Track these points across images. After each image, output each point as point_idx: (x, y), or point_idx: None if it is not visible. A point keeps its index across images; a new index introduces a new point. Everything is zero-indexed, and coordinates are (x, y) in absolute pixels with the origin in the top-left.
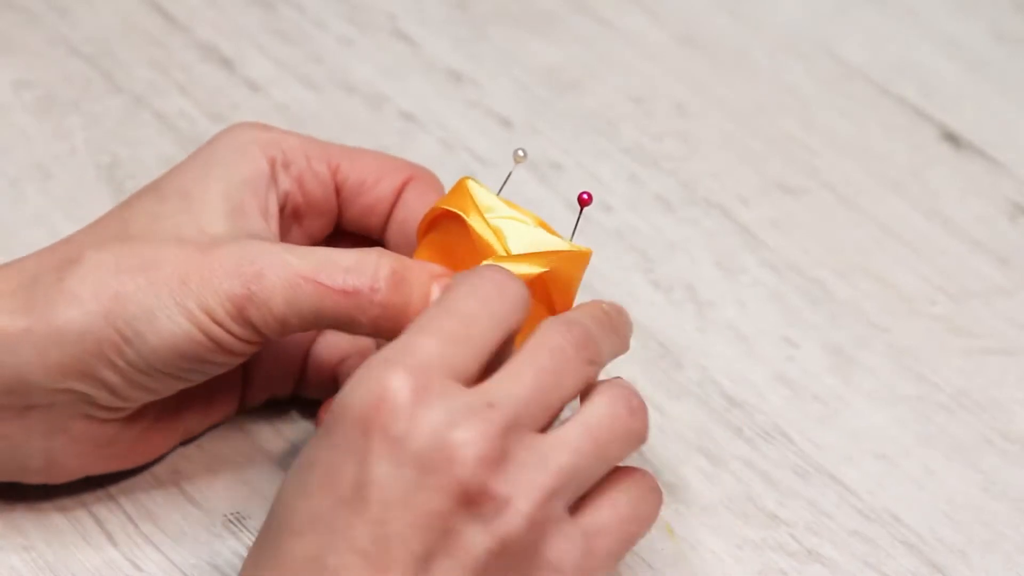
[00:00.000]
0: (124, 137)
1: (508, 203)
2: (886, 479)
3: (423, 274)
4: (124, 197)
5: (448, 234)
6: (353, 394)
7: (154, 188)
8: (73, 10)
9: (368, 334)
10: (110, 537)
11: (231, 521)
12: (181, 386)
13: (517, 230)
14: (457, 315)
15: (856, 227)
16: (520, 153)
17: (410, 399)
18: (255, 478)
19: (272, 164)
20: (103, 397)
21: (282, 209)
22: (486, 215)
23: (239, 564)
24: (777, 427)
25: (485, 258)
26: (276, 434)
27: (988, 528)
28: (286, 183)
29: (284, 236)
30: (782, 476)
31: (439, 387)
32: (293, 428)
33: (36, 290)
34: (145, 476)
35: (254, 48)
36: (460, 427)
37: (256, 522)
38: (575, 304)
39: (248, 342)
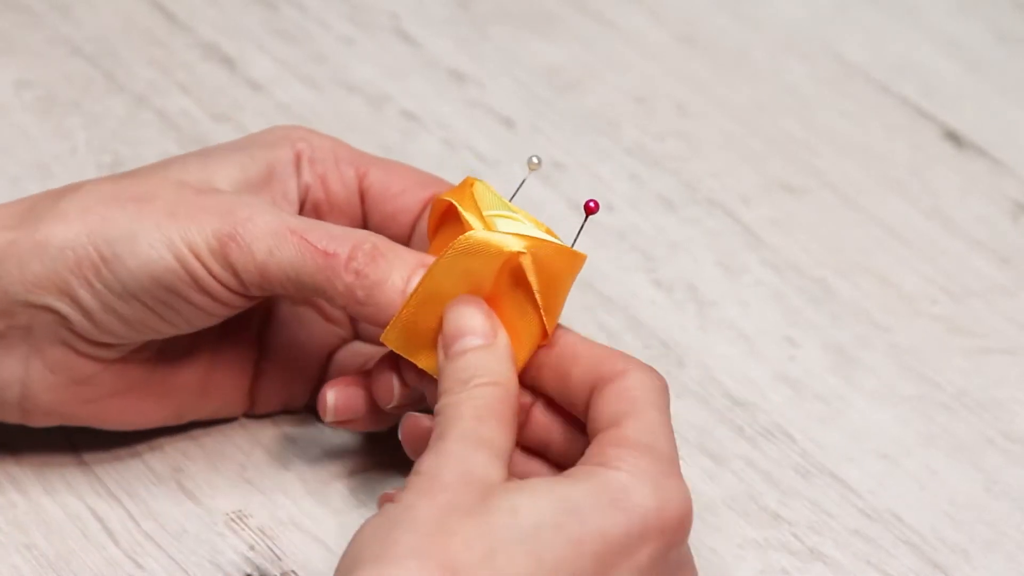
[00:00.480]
0: (125, 136)
1: (514, 208)
2: (888, 479)
3: (407, 258)
4: None
5: (455, 233)
6: (664, 498)
7: (181, 156)
8: (74, 10)
9: (339, 306)
10: (111, 535)
11: (232, 519)
12: (160, 326)
13: (509, 224)
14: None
15: (857, 227)
16: (535, 160)
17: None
18: (257, 476)
19: (298, 157)
20: (78, 320)
21: (303, 203)
22: (484, 212)
23: (240, 562)
24: (779, 426)
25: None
26: (279, 432)
27: (990, 528)
28: (308, 177)
29: None
30: (784, 475)
31: None
32: (296, 427)
33: (32, 211)
34: (146, 474)
35: (256, 48)
36: None
37: (257, 520)
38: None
39: (225, 286)
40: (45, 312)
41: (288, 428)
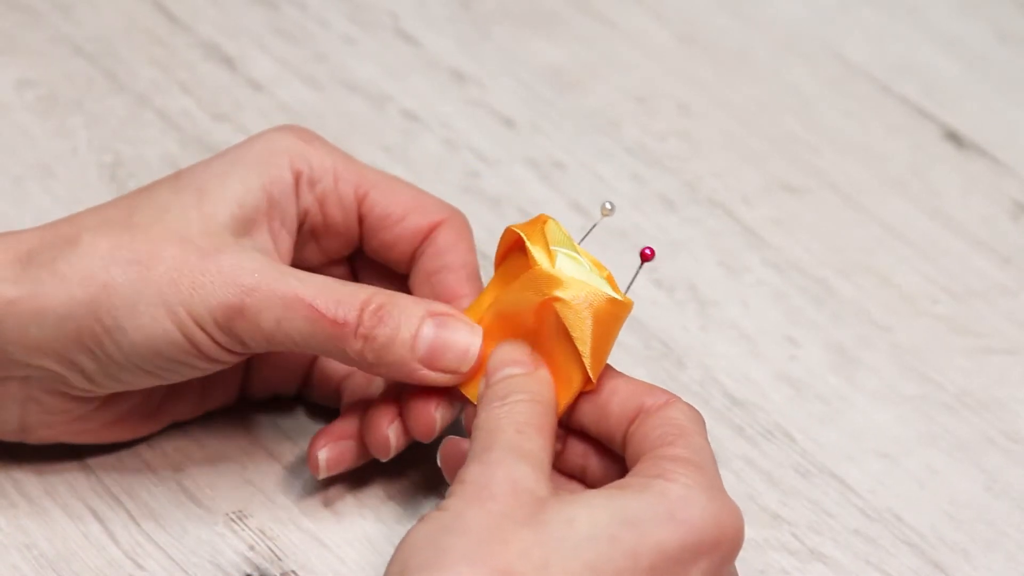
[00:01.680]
0: (127, 136)
1: (580, 250)
2: (888, 478)
3: (413, 310)
4: None
5: (517, 265)
6: (717, 510)
7: (174, 178)
8: (76, 9)
9: (353, 365)
10: (112, 535)
11: (233, 519)
12: (156, 383)
13: (568, 263)
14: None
15: (859, 226)
16: (607, 206)
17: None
18: (257, 476)
19: (297, 178)
20: (77, 380)
21: (301, 226)
22: (551, 246)
23: (240, 562)
24: (779, 426)
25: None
26: (279, 432)
27: (990, 527)
28: (308, 200)
29: (300, 251)
30: (784, 475)
31: None
32: (296, 427)
33: (29, 265)
34: (147, 474)
35: (257, 47)
36: None
37: (257, 520)
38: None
39: (230, 351)
40: (43, 370)
41: (288, 428)
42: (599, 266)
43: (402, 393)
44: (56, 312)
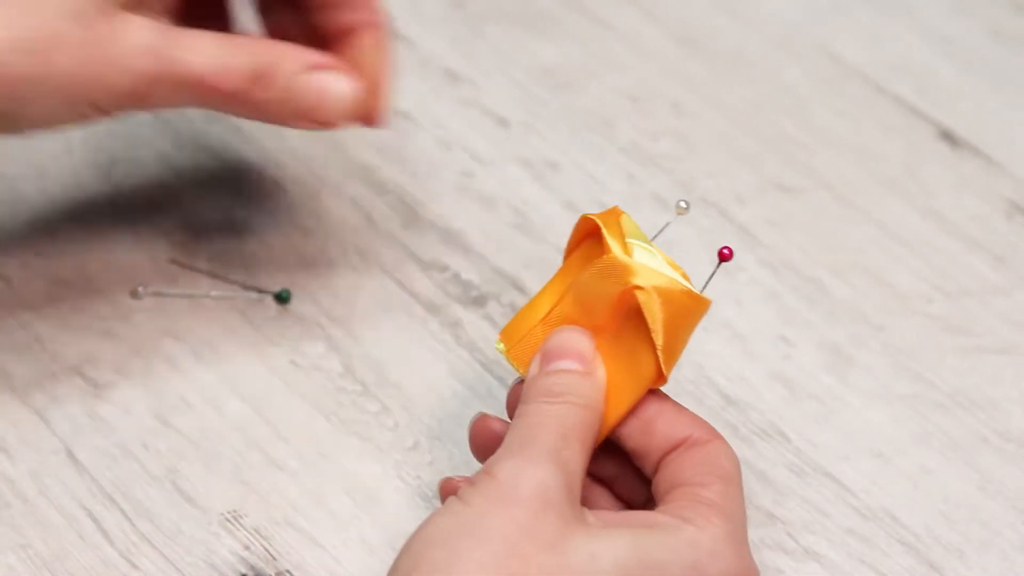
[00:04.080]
0: (121, 136)
1: (653, 246)
2: (882, 478)
3: (295, 67)
4: (120, 196)
5: (589, 255)
6: (734, 560)
7: None
8: None
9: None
10: (107, 535)
11: (228, 519)
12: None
13: (645, 255)
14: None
15: (853, 226)
16: (683, 204)
17: None
18: (252, 477)
19: None
20: None
21: None
22: (627, 239)
23: (235, 562)
24: (773, 426)
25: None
26: (273, 432)
27: (984, 527)
28: None
29: None
30: (778, 475)
31: None
32: (291, 427)
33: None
34: (142, 474)
35: None
36: None
37: (252, 520)
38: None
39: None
40: None
41: (283, 429)
42: (672, 264)
43: None
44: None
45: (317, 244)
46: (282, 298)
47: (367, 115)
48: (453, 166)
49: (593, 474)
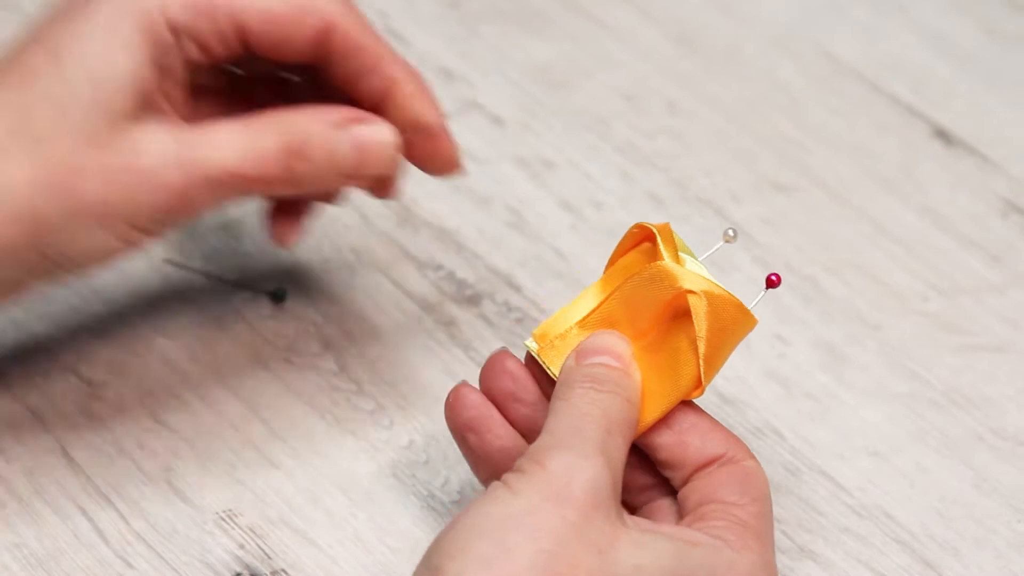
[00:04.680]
0: None
1: (700, 262)
2: (878, 476)
3: (326, 130)
4: None
5: (637, 263)
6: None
7: (50, 58)
8: None
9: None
10: (102, 534)
11: (223, 518)
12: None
13: (696, 266)
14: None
15: (848, 224)
16: (730, 233)
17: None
18: (247, 476)
19: (175, 32)
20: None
21: (187, 69)
22: (678, 252)
23: (231, 561)
24: (769, 424)
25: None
26: (268, 431)
27: (979, 525)
28: (190, 49)
29: (190, 90)
30: (774, 473)
31: None
32: (286, 426)
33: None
34: (137, 473)
35: None
36: None
37: (247, 519)
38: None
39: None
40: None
41: (278, 427)
42: (717, 286)
43: None
44: None
45: (312, 243)
46: (277, 296)
47: (439, 163)
48: None
49: None
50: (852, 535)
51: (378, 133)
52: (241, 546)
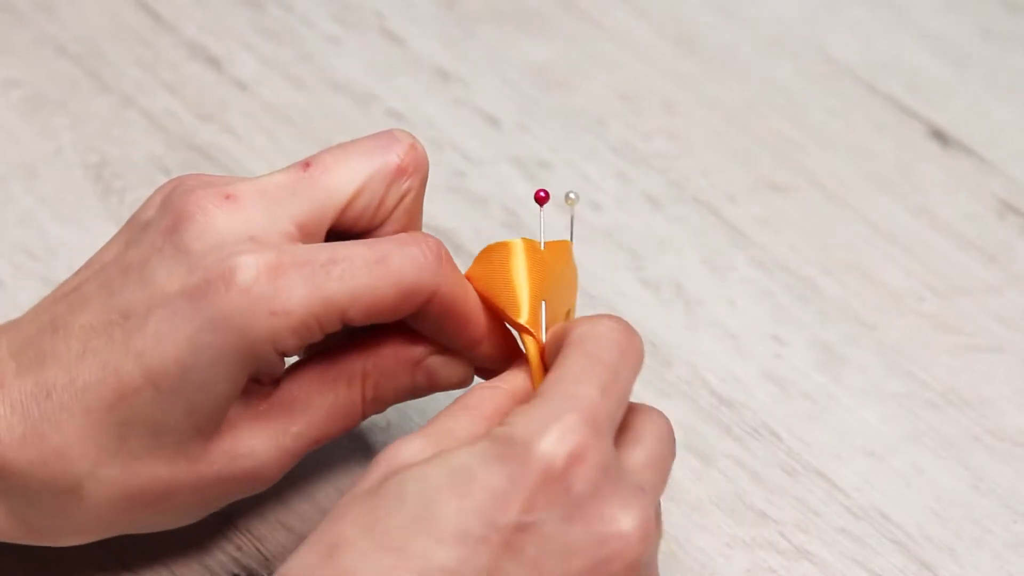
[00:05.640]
0: (112, 137)
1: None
2: (874, 476)
3: (457, 367)
4: (111, 197)
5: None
6: (542, 438)
7: (144, 378)
8: (60, 10)
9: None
10: None
11: (221, 521)
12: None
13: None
14: (608, 367)
15: (844, 224)
16: (572, 196)
17: (596, 466)
18: None
19: (259, 365)
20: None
21: None
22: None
23: (229, 564)
24: (766, 425)
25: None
26: None
27: (976, 525)
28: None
29: None
30: (771, 474)
31: (611, 455)
32: None
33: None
34: None
35: (242, 47)
36: (629, 513)
37: (245, 522)
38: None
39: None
40: None
41: None
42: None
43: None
44: None
45: None
46: None
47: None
48: (445, 165)
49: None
50: (849, 536)
51: (446, 368)
52: (239, 548)
